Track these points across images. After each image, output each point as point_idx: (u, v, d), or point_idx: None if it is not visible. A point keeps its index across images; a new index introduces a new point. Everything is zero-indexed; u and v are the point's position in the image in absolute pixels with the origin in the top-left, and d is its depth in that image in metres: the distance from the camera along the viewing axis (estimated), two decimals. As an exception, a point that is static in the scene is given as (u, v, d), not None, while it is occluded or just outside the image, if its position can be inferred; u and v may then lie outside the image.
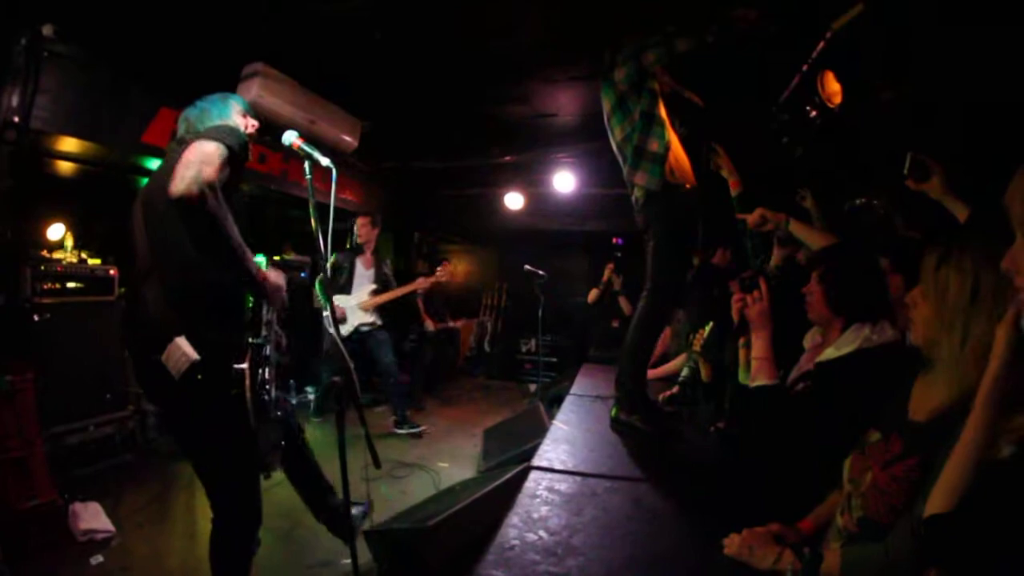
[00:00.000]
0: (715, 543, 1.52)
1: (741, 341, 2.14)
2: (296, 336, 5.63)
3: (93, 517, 3.12)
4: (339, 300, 5.14)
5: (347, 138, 4.89)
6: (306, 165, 2.17)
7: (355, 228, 5.35)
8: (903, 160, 1.96)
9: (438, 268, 5.36)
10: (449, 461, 4.57)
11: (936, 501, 1.00)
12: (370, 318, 5.11)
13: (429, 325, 6.47)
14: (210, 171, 1.76)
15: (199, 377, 1.81)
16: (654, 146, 2.58)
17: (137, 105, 3.96)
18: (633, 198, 2.73)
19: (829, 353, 1.80)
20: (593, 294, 6.33)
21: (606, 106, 2.78)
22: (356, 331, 5.10)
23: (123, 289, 4.24)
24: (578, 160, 6.34)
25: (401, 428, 5.15)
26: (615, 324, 6.03)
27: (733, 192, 3.02)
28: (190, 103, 2.21)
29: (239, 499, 2.04)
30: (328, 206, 2.07)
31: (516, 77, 4.36)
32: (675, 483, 2.16)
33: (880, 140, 3.05)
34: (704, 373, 3.03)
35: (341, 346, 2.07)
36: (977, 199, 1.81)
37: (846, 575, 1.19)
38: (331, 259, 5.20)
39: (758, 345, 1.99)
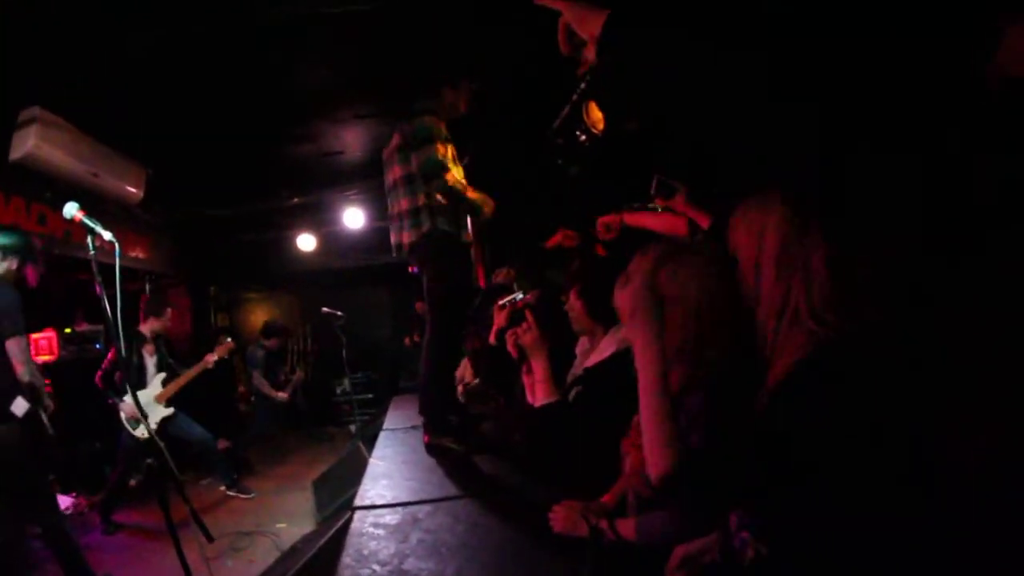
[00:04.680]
0: (534, 537, 1.70)
1: (524, 369, 2.25)
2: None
3: None
4: (140, 396, 4.66)
5: (132, 189, 4.53)
6: (89, 240, 2.04)
7: (161, 316, 4.89)
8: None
9: (217, 346, 5.12)
10: (286, 520, 4.38)
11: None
12: (169, 410, 4.79)
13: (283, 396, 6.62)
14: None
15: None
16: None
17: None
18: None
19: (594, 358, 2.10)
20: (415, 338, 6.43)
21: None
22: (159, 426, 4.74)
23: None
24: (367, 196, 6.41)
25: (232, 491, 5.09)
26: (417, 339, 6.19)
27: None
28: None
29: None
30: (118, 268, 2.01)
31: (302, 116, 4.35)
32: (491, 493, 2.34)
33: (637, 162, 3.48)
34: None
35: (147, 425, 1.94)
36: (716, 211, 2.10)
37: (640, 539, 1.42)
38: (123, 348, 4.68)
39: (537, 369, 2.13)
